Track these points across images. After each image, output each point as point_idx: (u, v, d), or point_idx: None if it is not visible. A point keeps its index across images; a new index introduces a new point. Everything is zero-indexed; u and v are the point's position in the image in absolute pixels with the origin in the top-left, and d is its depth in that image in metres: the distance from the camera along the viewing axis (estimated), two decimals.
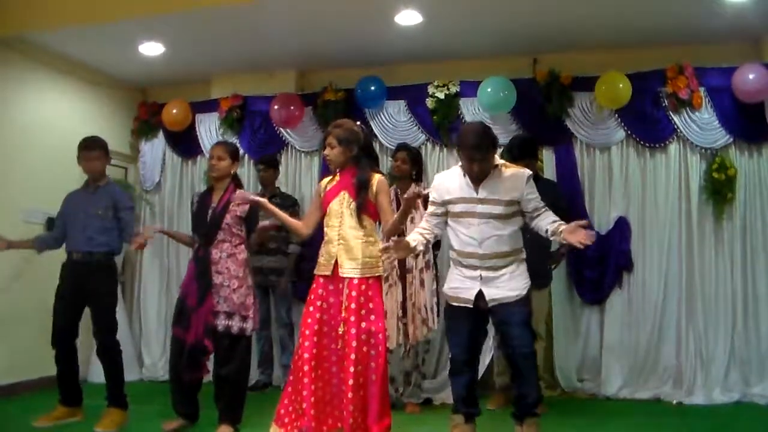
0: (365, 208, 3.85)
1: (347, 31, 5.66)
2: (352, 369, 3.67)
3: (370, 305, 3.78)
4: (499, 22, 5.44)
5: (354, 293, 3.76)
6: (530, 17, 5.32)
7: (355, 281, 3.78)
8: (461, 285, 3.78)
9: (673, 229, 5.54)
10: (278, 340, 5.87)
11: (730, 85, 5.37)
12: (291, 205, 5.75)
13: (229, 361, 4.26)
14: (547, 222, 3.67)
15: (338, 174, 3.99)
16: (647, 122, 5.62)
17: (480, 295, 3.71)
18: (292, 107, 6.21)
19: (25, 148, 5.79)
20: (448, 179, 3.84)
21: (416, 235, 3.79)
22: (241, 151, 6.48)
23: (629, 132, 5.67)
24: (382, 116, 6.15)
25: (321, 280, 3.88)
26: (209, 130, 6.65)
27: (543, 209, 3.73)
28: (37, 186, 5.80)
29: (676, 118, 5.54)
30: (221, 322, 4.22)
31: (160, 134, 6.85)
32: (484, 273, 3.71)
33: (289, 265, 5.82)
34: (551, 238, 3.71)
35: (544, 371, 5.72)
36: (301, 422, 3.71)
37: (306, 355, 3.76)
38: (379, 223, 4.04)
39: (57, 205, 5.89)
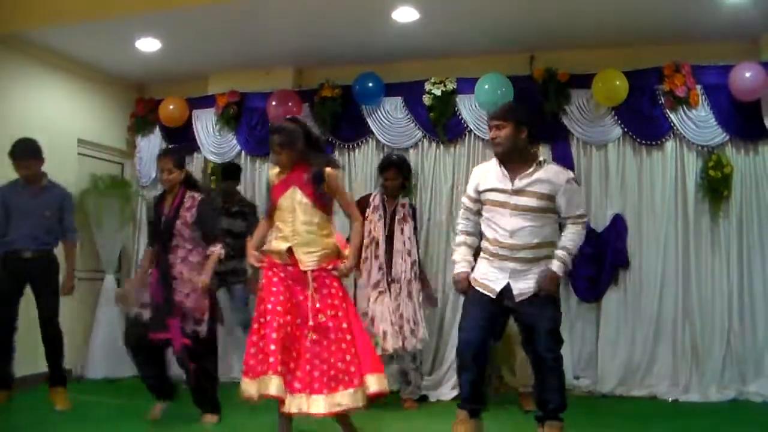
0: (320, 202, 3.83)
1: (344, 28, 5.66)
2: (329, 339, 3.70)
3: (332, 290, 3.80)
4: (496, 19, 5.44)
5: (316, 284, 3.78)
6: (527, 14, 5.31)
7: (315, 271, 3.79)
8: (489, 276, 3.75)
9: (669, 227, 5.55)
10: (234, 338, 5.92)
11: (727, 83, 5.37)
12: (254, 213, 5.85)
13: (193, 363, 4.40)
14: (565, 241, 3.73)
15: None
16: (644, 120, 5.62)
17: (506, 289, 3.70)
18: (289, 104, 6.20)
19: None
20: (484, 169, 3.88)
21: (464, 263, 3.85)
22: (238, 148, 6.49)
23: (626, 129, 5.67)
24: (380, 113, 6.14)
25: (278, 271, 3.83)
26: (206, 126, 6.64)
27: (569, 221, 3.75)
28: None
29: (672, 116, 5.54)
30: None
31: (157, 130, 6.84)
32: (513, 265, 3.69)
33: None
34: None
35: None
36: (266, 367, 3.61)
37: (269, 306, 3.70)
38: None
39: None
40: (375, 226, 5.14)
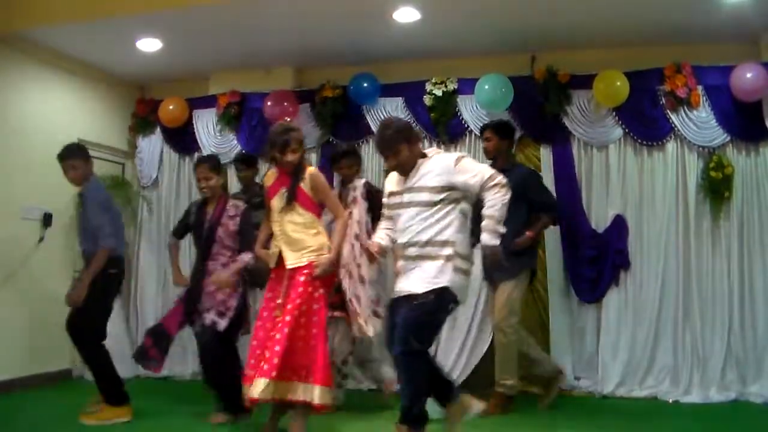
0: (299, 198, 3.97)
1: (345, 28, 5.66)
2: (288, 318, 3.81)
3: (299, 289, 3.89)
4: (498, 20, 5.44)
5: (289, 281, 3.92)
6: (528, 15, 5.31)
7: (292, 269, 3.93)
8: (399, 276, 3.72)
9: (670, 228, 5.54)
10: None
11: (728, 83, 5.37)
12: None
13: (205, 356, 4.49)
14: (485, 210, 3.54)
15: (277, 170, 4.10)
16: (645, 120, 5.62)
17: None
18: (285, 103, 6.20)
19: (23, 144, 5.77)
20: (390, 177, 3.88)
21: (382, 234, 3.83)
22: (239, 148, 6.47)
23: (627, 130, 5.67)
24: (380, 113, 6.14)
25: (273, 275, 4.07)
26: (207, 126, 6.64)
27: (484, 191, 3.54)
28: (36, 182, 5.80)
29: (673, 117, 5.53)
30: (200, 319, 4.48)
31: (158, 130, 6.84)
32: (403, 262, 3.66)
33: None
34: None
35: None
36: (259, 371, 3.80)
37: (259, 323, 3.99)
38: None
39: (56, 200, 5.94)
40: None
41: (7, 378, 5.48)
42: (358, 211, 4.94)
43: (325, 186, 4.11)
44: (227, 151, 6.53)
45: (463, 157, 3.69)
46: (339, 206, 4.21)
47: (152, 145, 6.87)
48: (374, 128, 6.10)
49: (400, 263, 3.68)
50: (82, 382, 6.03)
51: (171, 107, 6.61)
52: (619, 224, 5.63)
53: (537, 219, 4.99)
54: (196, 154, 6.70)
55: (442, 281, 3.51)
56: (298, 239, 3.93)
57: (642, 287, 5.58)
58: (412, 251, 3.59)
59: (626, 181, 5.69)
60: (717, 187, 5.43)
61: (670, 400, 5.32)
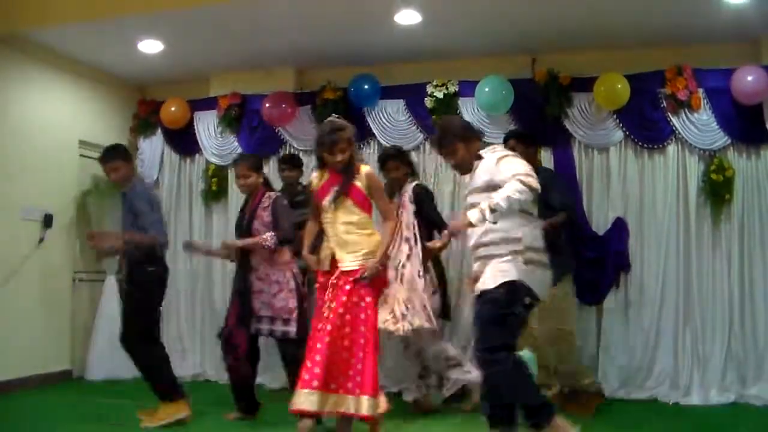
0: (352, 194, 3.88)
1: (347, 29, 5.67)
2: (329, 327, 3.74)
3: (346, 296, 3.81)
4: (499, 22, 5.45)
5: (338, 282, 3.84)
6: (529, 17, 5.32)
7: (343, 273, 3.86)
8: None
9: (670, 230, 5.55)
10: None
11: (729, 86, 5.37)
12: None
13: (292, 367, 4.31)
14: (494, 193, 3.45)
15: (327, 171, 4.00)
16: (646, 123, 5.62)
17: None
18: (284, 105, 6.21)
19: (24, 145, 5.78)
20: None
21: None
22: (240, 150, 6.47)
23: (628, 133, 5.67)
24: (381, 115, 6.15)
25: (320, 281, 3.96)
26: (208, 128, 6.65)
27: (512, 179, 3.45)
28: (36, 182, 5.80)
29: (674, 120, 5.54)
30: (264, 327, 4.48)
31: (159, 132, 6.85)
32: (476, 265, 3.67)
33: None
34: None
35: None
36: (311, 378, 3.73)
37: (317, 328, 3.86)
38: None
39: (56, 201, 5.94)
40: None
41: (7, 378, 5.49)
42: (407, 215, 4.88)
43: (381, 186, 4.08)
44: (228, 153, 6.54)
45: (507, 155, 3.70)
46: (390, 208, 4.16)
47: (153, 146, 6.88)
48: (375, 130, 6.16)
49: (474, 266, 3.70)
50: (82, 383, 6.04)
51: (172, 109, 6.62)
52: (619, 226, 5.63)
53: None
54: (197, 156, 6.75)
55: (512, 275, 3.48)
56: (352, 240, 3.86)
57: (642, 289, 5.58)
58: (481, 252, 3.63)
59: (627, 184, 5.70)
60: (718, 190, 5.43)
61: (670, 402, 5.32)
